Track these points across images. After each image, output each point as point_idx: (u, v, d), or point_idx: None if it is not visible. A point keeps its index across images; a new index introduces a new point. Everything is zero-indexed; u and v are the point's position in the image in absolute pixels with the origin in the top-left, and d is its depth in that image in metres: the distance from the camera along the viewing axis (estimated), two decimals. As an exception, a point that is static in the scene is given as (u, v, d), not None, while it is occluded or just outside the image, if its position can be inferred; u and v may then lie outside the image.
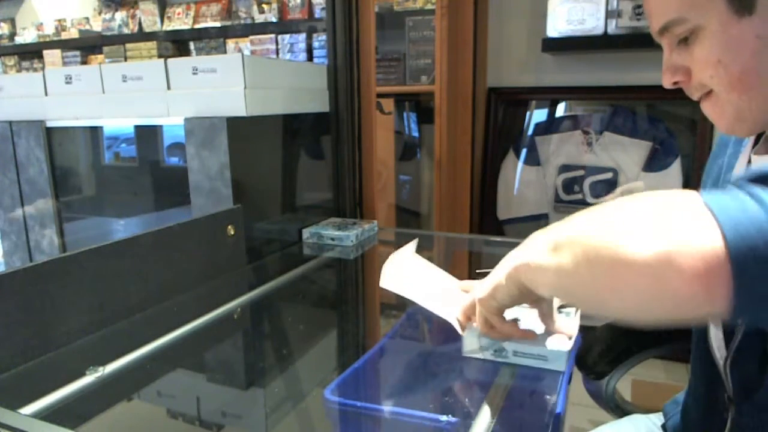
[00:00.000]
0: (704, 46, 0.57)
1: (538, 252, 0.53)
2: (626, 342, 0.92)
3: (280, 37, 2.57)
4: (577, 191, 1.82)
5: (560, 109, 1.91)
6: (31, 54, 3.31)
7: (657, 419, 0.93)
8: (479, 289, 0.66)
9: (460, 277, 0.88)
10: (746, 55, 0.56)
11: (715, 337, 0.69)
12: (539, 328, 0.73)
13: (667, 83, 0.64)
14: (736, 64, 0.57)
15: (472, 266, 1.41)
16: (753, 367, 0.62)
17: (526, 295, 0.60)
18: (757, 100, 0.58)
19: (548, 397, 0.69)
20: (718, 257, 0.37)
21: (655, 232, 0.41)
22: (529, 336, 0.71)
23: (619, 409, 0.97)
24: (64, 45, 3.12)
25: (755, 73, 0.56)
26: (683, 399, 0.83)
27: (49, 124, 1.51)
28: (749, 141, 0.69)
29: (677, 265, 0.39)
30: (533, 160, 1.90)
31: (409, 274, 0.87)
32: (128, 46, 2.91)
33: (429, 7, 2.18)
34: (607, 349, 0.91)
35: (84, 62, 3.07)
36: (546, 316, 0.71)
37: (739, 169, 0.69)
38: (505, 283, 0.60)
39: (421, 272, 0.90)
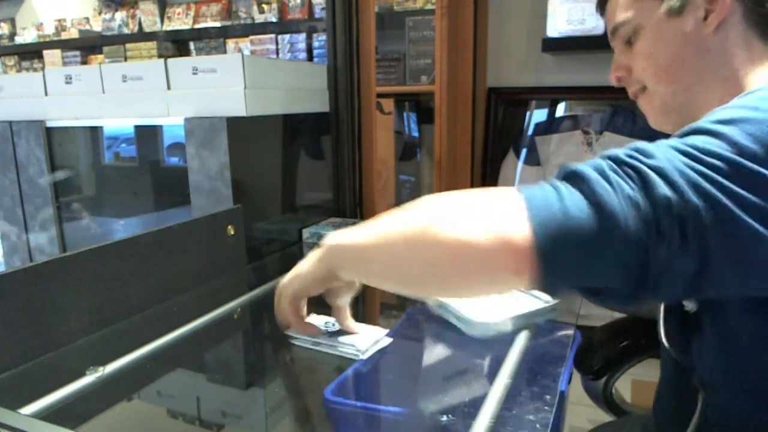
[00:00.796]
0: (641, 42, 0.66)
1: (351, 234, 0.62)
2: (625, 342, 0.92)
3: (280, 37, 2.57)
4: (577, 191, 1.82)
5: (560, 109, 1.91)
6: (31, 54, 3.30)
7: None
8: (285, 279, 0.76)
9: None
10: (673, 48, 0.63)
11: None
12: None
13: (611, 79, 0.71)
14: (664, 56, 0.64)
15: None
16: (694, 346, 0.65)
17: (328, 278, 0.70)
18: (679, 92, 0.65)
19: (548, 396, 0.69)
20: (527, 243, 0.44)
21: (480, 220, 0.47)
22: (314, 331, 0.82)
23: (618, 409, 0.97)
24: (64, 45, 3.12)
25: (679, 66, 0.64)
26: (657, 392, 0.84)
27: (49, 124, 1.51)
28: None
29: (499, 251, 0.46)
30: (533, 160, 1.90)
31: None
32: (128, 46, 2.91)
33: (429, 7, 2.18)
34: (605, 349, 0.91)
35: (84, 62, 3.07)
36: (342, 316, 0.81)
37: None
38: (311, 267, 0.71)
39: None
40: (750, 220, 0.43)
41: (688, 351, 0.66)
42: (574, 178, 0.46)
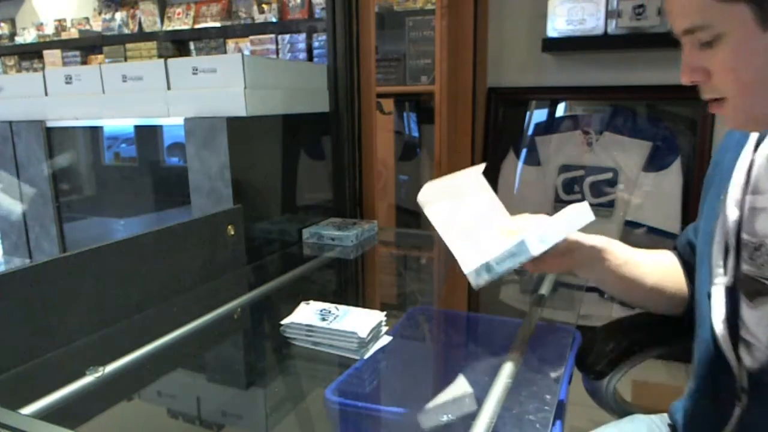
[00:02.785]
0: (726, 52, 0.59)
1: None
2: (627, 342, 0.92)
3: (280, 37, 2.57)
4: (577, 191, 1.82)
5: (560, 109, 1.91)
6: (31, 54, 3.30)
7: (659, 420, 0.93)
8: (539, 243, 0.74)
9: (462, 277, 0.87)
10: (762, 63, 0.58)
11: (718, 326, 0.69)
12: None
13: (685, 80, 0.65)
14: (753, 72, 0.59)
15: (472, 266, 1.41)
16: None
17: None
18: (765, 105, 0.61)
19: (548, 396, 0.69)
20: None
21: None
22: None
23: (620, 409, 0.97)
24: (64, 45, 3.12)
25: (766, 82, 0.59)
26: (686, 396, 0.84)
27: (49, 124, 1.51)
28: (750, 141, 0.70)
29: None
30: (533, 160, 1.90)
31: (450, 196, 0.88)
32: (128, 46, 2.91)
33: (429, 7, 2.18)
34: (607, 349, 0.91)
35: (84, 62, 3.07)
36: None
37: (740, 173, 0.70)
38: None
39: (467, 199, 0.90)
40: None
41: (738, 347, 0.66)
42: None
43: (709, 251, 0.74)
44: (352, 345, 0.80)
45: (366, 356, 0.79)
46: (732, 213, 0.70)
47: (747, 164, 0.69)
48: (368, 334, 0.80)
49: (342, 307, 0.88)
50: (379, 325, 0.84)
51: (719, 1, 0.57)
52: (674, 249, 0.93)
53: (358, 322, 0.82)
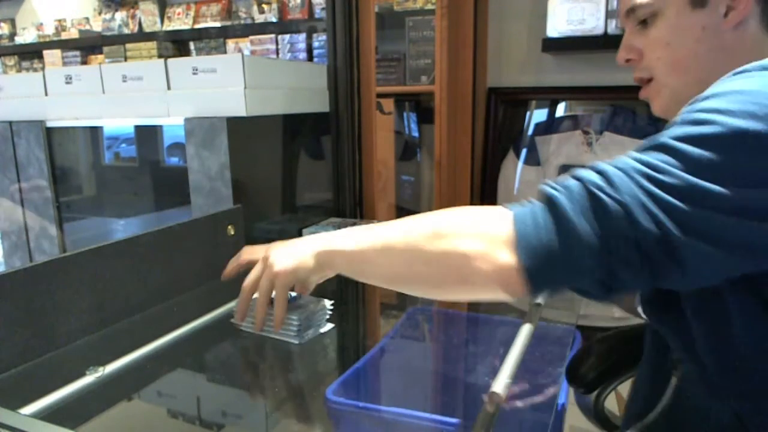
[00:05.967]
0: (659, 28, 0.65)
1: (346, 240, 0.67)
2: (616, 356, 0.90)
3: (280, 37, 2.57)
4: (577, 191, 1.82)
5: (560, 109, 1.91)
6: (31, 54, 3.30)
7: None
8: (277, 261, 0.72)
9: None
10: (691, 41, 0.64)
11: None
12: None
13: (620, 59, 0.71)
14: (681, 48, 0.64)
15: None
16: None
17: (320, 273, 0.71)
18: (690, 85, 0.64)
19: (549, 396, 0.69)
20: (514, 269, 0.52)
21: (471, 238, 0.55)
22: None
23: (608, 425, 0.95)
24: (64, 45, 3.12)
25: (694, 59, 0.64)
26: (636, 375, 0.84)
27: (49, 124, 1.51)
28: None
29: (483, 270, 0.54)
30: (533, 160, 1.90)
31: None
32: (128, 46, 2.91)
33: (429, 7, 2.18)
34: (597, 362, 0.89)
35: (84, 62, 3.07)
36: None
37: None
38: (310, 262, 0.70)
39: None
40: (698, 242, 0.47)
41: (664, 321, 0.67)
42: (551, 206, 0.52)
43: None
44: (290, 331, 0.82)
45: (304, 341, 0.82)
46: None
47: None
48: (307, 320, 0.83)
49: (292, 294, 0.88)
50: (323, 310, 0.87)
51: None
52: None
53: (299, 309, 0.84)
